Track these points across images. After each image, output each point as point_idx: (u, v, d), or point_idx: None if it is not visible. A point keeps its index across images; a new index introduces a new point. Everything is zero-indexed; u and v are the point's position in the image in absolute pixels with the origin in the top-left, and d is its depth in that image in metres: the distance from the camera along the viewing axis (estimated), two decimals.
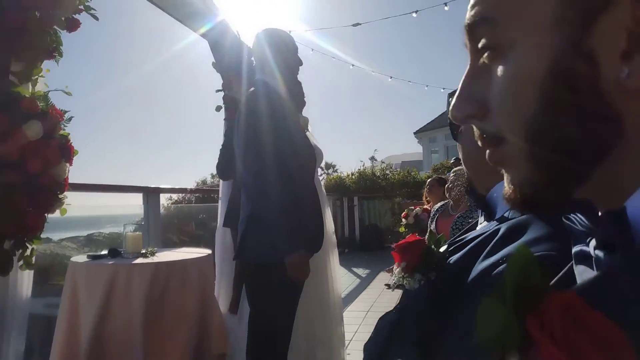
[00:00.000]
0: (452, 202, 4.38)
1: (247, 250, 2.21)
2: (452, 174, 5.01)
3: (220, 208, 3.86)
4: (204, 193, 5.18)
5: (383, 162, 14.68)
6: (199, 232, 5.51)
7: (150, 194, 4.07)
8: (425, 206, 5.51)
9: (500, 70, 0.44)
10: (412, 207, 5.53)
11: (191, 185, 14.51)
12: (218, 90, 4.21)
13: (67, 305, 2.69)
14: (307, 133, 2.66)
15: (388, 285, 6.48)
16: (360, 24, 7.54)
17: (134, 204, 4.13)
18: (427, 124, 23.08)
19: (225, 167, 2.81)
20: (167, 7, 3.53)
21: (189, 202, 7.08)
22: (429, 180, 5.78)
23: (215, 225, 4.09)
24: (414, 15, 7.41)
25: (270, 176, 2.03)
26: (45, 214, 2.04)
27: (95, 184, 3.46)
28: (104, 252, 3.01)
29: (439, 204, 4.78)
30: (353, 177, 12.27)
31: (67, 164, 2.10)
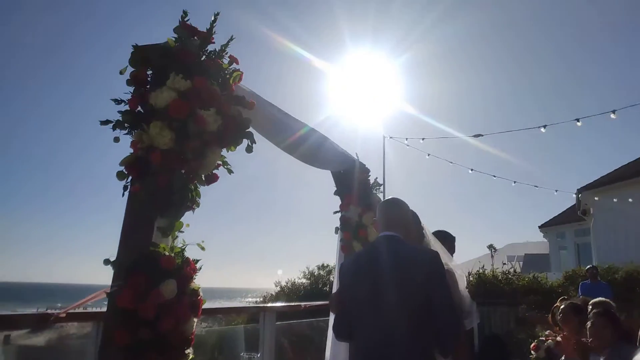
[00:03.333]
0: (594, 344, 3.84)
1: None
2: (590, 307, 4.46)
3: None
4: (317, 307, 5.14)
5: (505, 263, 13.65)
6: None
7: (267, 313, 4.13)
8: (558, 337, 4.89)
9: None
10: (543, 339, 4.93)
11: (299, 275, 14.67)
12: (336, 212, 4.28)
13: None
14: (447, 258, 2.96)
15: None
16: (483, 135, 7.42)
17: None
18: (554, 217, 21.41)
19: (348, 331, 2.67)
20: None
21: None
22: (561, 305, 5.17)
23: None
24: (543, 130, 7.14)
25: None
26: None
27: (219, 308, 3.58)
28: None
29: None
30: (471, 279, 11.53)
31: (195, 319, 2.18)
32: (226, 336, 5.47)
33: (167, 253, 2.14)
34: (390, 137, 12.82)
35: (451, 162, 11.02)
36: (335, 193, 4.38)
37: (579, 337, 4.34)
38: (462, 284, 3.03)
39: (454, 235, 4.28)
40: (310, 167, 3.99)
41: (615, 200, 13.28)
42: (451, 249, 4.26)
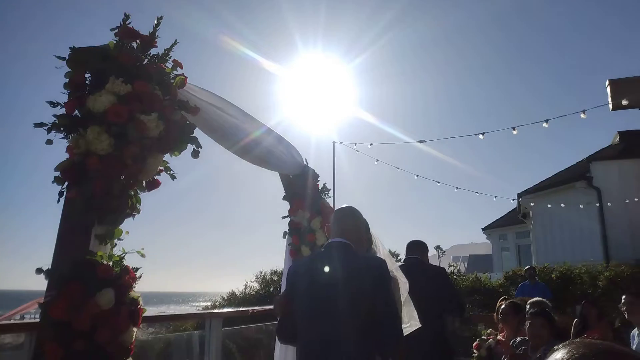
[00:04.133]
0: (530, 342, 4.02)
1: None
2: (528, 307, 4.67)
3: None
4: (265, 312, 5.11)
5: (452, 265, 14.07)
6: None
7: (213, 319, 4.07)
8: (499, 336, 5.10)
9: None
10: (485, 338, 5.12)
11: (250, 278, 14.56)
12: (284, 217, 4.29)
13: None
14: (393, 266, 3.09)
15: None
16: (426, 141, 7.63)
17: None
18: (496, 220, 22.26)
19: (291, 334, 2.71)
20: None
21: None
22: (501, 305, 5.39)
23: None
24: (481, 137, 7.43)
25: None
26: None
27: (160, 315, 3.50)
28: None
29: (519, 338, 4.42)
30: None
31: (135, 328, 2.13)
32: (173, 343, 5.35)
33: (104, 261, 2.08)
34: (341, 143, 12.95)
35: (398, 168, 11.26)
36: (284, 198, 4.38)
37: (517, 336, 4.55)
38: (405, 290, 3.11)
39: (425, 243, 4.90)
40: (263, 171, 3.98)
41: (549, 205, 13.97)
42: (425, 256, 4.89)
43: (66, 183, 2.17)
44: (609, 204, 12.54)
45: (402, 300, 3.01)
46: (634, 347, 3.65)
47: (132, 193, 2.28)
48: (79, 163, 2.12)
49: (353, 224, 2.69)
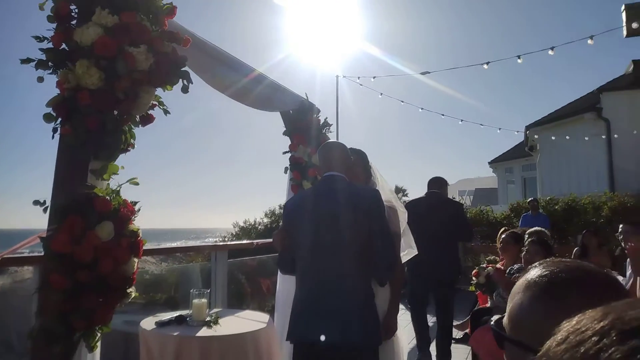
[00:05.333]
0: (526, 266, 4.11)
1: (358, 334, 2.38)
2: (527, 237, 4.75)
3: None
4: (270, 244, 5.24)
5: (453, 197, 14.15)
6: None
7: (219, 252, 4.19)
8: (498, 264, 5.23)
9: None
10: (484, 266, 5.26)
11: (260, 215, 14.82)
12: (285, 152, 4.29)
13: None
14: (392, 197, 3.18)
15: (455, 340, 6.21)
16: (430, 72, 7.45)
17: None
18: (503, 153, 22.17)
19: (291, 266, 2.80)
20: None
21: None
22: (502, 234, 5.49)
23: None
24: (485, 67, 7.22)
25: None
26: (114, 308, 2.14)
27: (166, 248, 3.61)
28: (172, 317, 3.11)
29: (516, 266, 4.53)
30: None
31: (136, 259, 2.20)
32: (183, 274, 5.57)
33: (102, 195, 2.11)
34: (344, 77, 12.70)
35: (402, 102, 11.10)
36: (284, 133, 4.36)
37: (515, 264, 4.66)
38: (404, 220, 3.16)
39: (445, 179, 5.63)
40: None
41: (557, 137, 13.83)
42: (444, 190, 5.51)
43: (59, 119, 2.17)
44: (616, 135, 12.38)
45: (402, 229, 3.08)
46: (628, 273, 3.73)
47: (126, 128, 2.27)
48: (70, 98, 2.11)
49: (338, 156, 2.71)
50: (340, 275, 2.45)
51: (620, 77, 15.15)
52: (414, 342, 5.43)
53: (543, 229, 5.27)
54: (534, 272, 0.86)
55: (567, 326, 0.44)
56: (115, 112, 2.22)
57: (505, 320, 0.86)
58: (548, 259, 0.90)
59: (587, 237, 6.69)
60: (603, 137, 12.83)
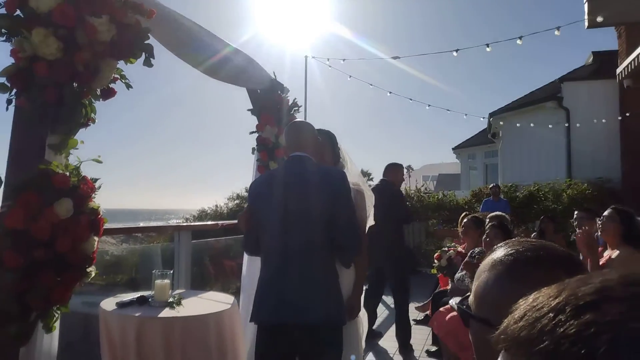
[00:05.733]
0: (486, 252, 4.23)
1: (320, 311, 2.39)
2: (488, 221, 4.87)
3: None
4: (235, 225, 5.20)
5: (422, 184, 14.41)
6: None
7: (182, 231, 4.12)
8: (459, 248, 5.36)
9: None
10: (446, 249, 5.38)
11: (223, 200, 14.71)
12: (252, 132, 4.23)
13: (107, 356, 2.78)
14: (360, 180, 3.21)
15: (416, 321, 6.37)
16: (400, 57, 7.47)
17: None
18: (466, 140, 22.61)
19: (256, 247, 2.78)
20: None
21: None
22: (464, 219, 5.61)
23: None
24: (455, 54, 7.29)
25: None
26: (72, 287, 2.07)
27: (128, 227, 3.52)
28: (133, 297, 3.05)
29: (477, 249, 4.64)
30: None
31: (96, 237, 2.13)
32: (144, 255, 5.46)
33: (60, 171, 2.03)
34: (313, 57, 12.61)
35: (371, 85, 11.11)
36: (253, 113, 4.30)
37: (476, 247, 4.78)
38: (371, 203, 3.18)
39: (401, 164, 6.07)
40: (231, 86, 3.88)
41: (519, 125, 14.18)
42: (396, 176, 5.85)
43: (14, 90, 2.06)
44: (578, 124, 12.79)
45: (368, 213, 3.10)
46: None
47: (86, 102, 2.18)
48: (26, 68, 2.00)
49: (305, 137, 2.68)
50: (305, 256, 2.45)
51: (580, 67, 15.62)
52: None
53: (504, 214, 5.42)
54: (500, 251, 0.88)
55: (524, 304, 0.45)
56: (75, 85, 2.12)
57: (470, 299, 0.88)
58: (513, 239, 0.91)
59: (545, 223, 6.94)
60: (563, 125, 13.23)
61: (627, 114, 10.91)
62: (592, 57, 15.48)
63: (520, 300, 0.46)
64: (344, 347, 2.57)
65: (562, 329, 0.37)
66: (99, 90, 2.22)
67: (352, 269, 2.86)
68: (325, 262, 2.49)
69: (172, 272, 3.27)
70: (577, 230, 4.71)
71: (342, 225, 2.47)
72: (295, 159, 2.62)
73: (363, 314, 3.05)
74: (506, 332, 0.43)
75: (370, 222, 3.26)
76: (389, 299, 7.93)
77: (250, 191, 2.80)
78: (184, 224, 4.00)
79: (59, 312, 2.11)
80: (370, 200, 3.19)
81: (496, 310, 0.77)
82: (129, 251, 6.08)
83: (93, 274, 2.16)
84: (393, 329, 6.18)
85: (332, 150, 3.10)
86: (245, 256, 3.91)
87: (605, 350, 0.34)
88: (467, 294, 0.92)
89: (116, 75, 2.28)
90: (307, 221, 2.46)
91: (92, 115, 2.21)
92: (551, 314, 0.40)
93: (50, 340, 2.22)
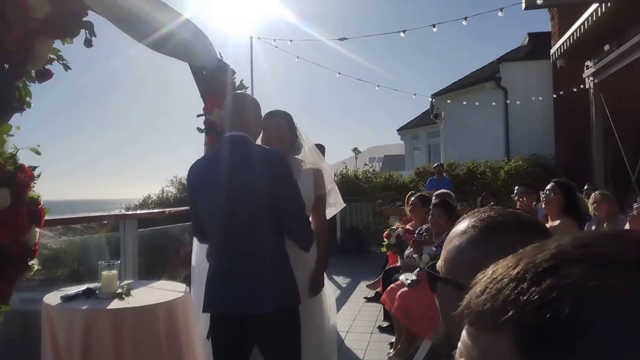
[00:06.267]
0: (433, 230, 4.38)
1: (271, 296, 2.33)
2: (434, 199, 5.02)
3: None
4: (183, 212, 5.08)
5: (367, 164, 14.64)
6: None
7: (127, 220, 3.98)
8: (407, 226, 5.50)
9: None
10: (394, 227, 5.50)
11: (157, 189, 14.34)
12: (199, 115, 4.11)
13: (49, 354, 2.65)
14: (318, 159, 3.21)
15: (367, 299, 6.52)
16: (347, 39, 7.47)
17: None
18: (410, 121, 23.11)
19: (203, 233, 2.69)
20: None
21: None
22: (411, 197, 5.75)
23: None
24: (402, 35, 7.37)
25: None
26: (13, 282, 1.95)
27: (71, 218, 3.36)
28: (79, 290, 2.92)
29: (424, 227, 4.77)
30: (335, 179, 12.19)
31: (38, 229, 2.01)
32: (86, 247, 5.23)
33: None
34: (258, 38, 12.39)
35: (319, 65, 11.08)
36: (200, 95, 4.17)
37: (424, 225, 4.92)
38: (329, 178, 3.22)
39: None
40: (172, 68, 3.74)
41: (460, 105, 14.64)
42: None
43: None
44: (517, 102, 13.34)
45: (328, 188, 3.12)
46: None
47: (20, 85, 2.03)
48: None
49: (254, 116, 2.59)
50: (248, 243, 2.39)
51: (517, 48, 16.25)
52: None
53: (448, 191, 5.60)
54: (470, 219, 0.90)
55: (483, 278, 0.46)
56: (6, 66, 1.97)
57: (439, 264, 0.90)
58: (481, 208, 0.94)
59: (486, 198, 7.25)
60: (502, 104, 13.77)
61: (561, 92, 11.47)
62: (527, 39, 16.13)
63: (478, 274, 0.47)
64: (310, 325, 2.59)
65: (525, 297, 0.38)
66: (33, 72, 2.07)
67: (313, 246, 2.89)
68: (271, 247, 2.42)
69: (119, 262, 3.15)
70: (517, 203, 4.97)
71: (285, 206, 2.41)
72: (234, 140, 2.48)
73: (327, 290, 3.10)
74: (469, 306, 0.44)
75: (338, 202, 3.31)
76: (339, 278, 8.11)
77: (188, 177, 2.66)
78: (130, 212, 3.85)
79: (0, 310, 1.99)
80: (329, 175, 3.22)
81: (470, 272, 0.79)
82: (69, 244, 5.79)
83: (36, 268, 2.04)
84: (344, 307, 6.32)
85: (290, 132, 3.07)
86: (195, 244, 3.83)
87: (569, 311, 0.36)
88: (435, 261, 0.95)
89: (52, 56, 2.14)
90: (248, 208, 2.38)
91: (28, 99, 2.07)
92: (512, 284, 0.40)
93: None
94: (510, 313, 0.39)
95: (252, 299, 2.33)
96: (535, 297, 0.38)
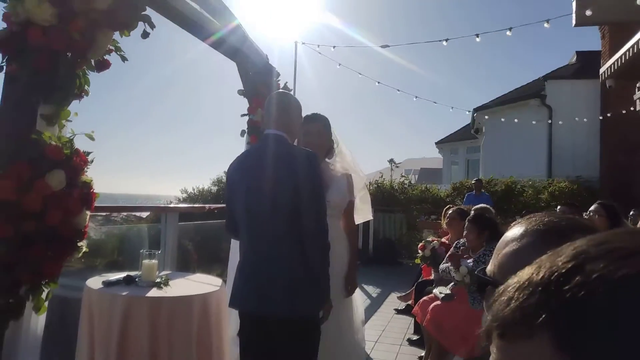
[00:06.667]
0: (468, 244, 4.28)
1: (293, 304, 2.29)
2: (472, 213, 4.92)
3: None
4: (223, 209, 5.15)
5: (403, 176, 14.50)
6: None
7: (169, 213, 4.07)
8: (443, 239, 5.41)
9: None
10: (430, 240, 5.42)
11: (207, 182, 14.57)
12: (243, 115, 4.18)
13: (85, 336, 2.74)
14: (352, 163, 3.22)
15: (397, 310, 6.44)
16: (389, 46, 7.46)
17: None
18: (449, 135, 22.80)
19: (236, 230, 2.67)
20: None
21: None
22: (449, 210, 5.66)
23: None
24: (445, 43, 7.30)
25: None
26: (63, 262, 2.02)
27: (117, 206, 3.46)
28: (120, 277, 3.01)
29: (462, 240, 4.68)
30: (371, 188, 12.16)
31: (88, 212, 2.08)
32: (126, 237, 5.37)
33: (53, 142, 1.97)
34: (303, 44, 12.52)
35: (360, 74, 11.08)
36: (245, 95, 4.25)
37: (460, 239, 4.83)
38: (360, 184, 3.23)
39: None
40: (226, 73, 3.88)
41: (502, 120, 14.35)
42: None
43: (5, 56, 1.99)
44: (560, 122, 12.99)
45: (358, 194, 3.14)
46: None
47: (81, 73, 2.12)
48: (19, 33, 1.93)
49: (297, 116, 2.61)
50: (273, 244, 2.35)
51: (564, 66, 15.84)
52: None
53: (487, 206, 5.49)
54: (524, 225, 0.88)
55: (504, 291, 0.45)
56: (69, 54, 2.06)
57: (491, 268, 0.88)
58: (537, 214, 0.92)
59: (564, 210, 7.06)
60: (546, 123, 13.43)
61: (609, 114, 11.10)
62: (575, 57, 15.71)
63: (498, 289, 0.47)
64: (341, 327, 2.57)
65: (556, 298, 0.39)
66: (93, 61, 2.15)
67: (345, 247, 2.90)
68: (293, 252, 2.33)
69: (159, 252, 3.23)
70: None
71: (304, 214, 2.33)
72: (273, 138, 2.46)
73: (359, 299, 3.11)
74: (498, 318, 0.43)
75: (368, 213, 3.32)
76: (369, 288, 8.04)
77: (227, 172, 2.69)
78: (172, 205, 3.94)
79: (48, 287, 2.06)
80: (360, 181, 3.23)
81: None
82: (109, 234, 5.96)
83: (84, 249, 2.11)
84: (374, 318, 6.25)
85: (328, 136, 3.11)
86: (233, 240, 3.88)
87: (606, 303, 0.36)
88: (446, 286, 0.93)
89: (111, 47, 2.21)
90: (277, 208, 2.35)
91: (86, 87, 2.14)
92: (540, 288, 0.40)
93: (37, 322, 2.17)
94: (543, 317, 0.39)
95: (269, 301, 2.30)
96: (568, 295, 0.38)
